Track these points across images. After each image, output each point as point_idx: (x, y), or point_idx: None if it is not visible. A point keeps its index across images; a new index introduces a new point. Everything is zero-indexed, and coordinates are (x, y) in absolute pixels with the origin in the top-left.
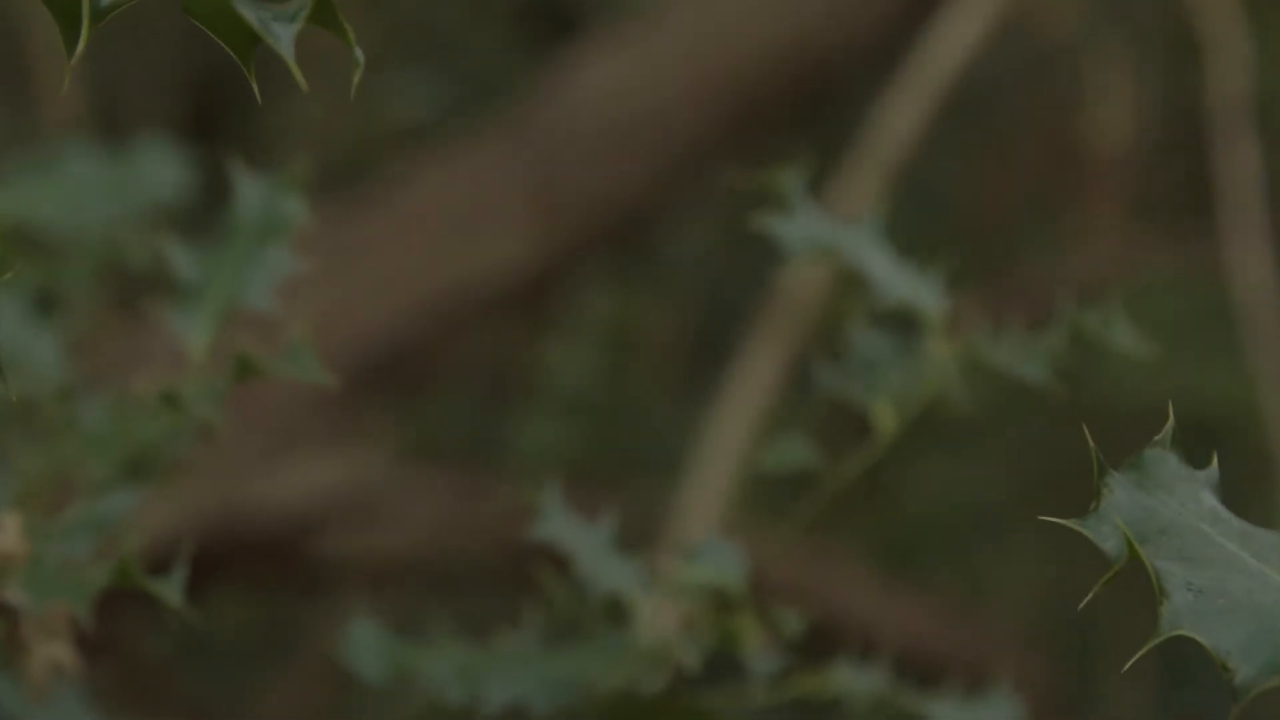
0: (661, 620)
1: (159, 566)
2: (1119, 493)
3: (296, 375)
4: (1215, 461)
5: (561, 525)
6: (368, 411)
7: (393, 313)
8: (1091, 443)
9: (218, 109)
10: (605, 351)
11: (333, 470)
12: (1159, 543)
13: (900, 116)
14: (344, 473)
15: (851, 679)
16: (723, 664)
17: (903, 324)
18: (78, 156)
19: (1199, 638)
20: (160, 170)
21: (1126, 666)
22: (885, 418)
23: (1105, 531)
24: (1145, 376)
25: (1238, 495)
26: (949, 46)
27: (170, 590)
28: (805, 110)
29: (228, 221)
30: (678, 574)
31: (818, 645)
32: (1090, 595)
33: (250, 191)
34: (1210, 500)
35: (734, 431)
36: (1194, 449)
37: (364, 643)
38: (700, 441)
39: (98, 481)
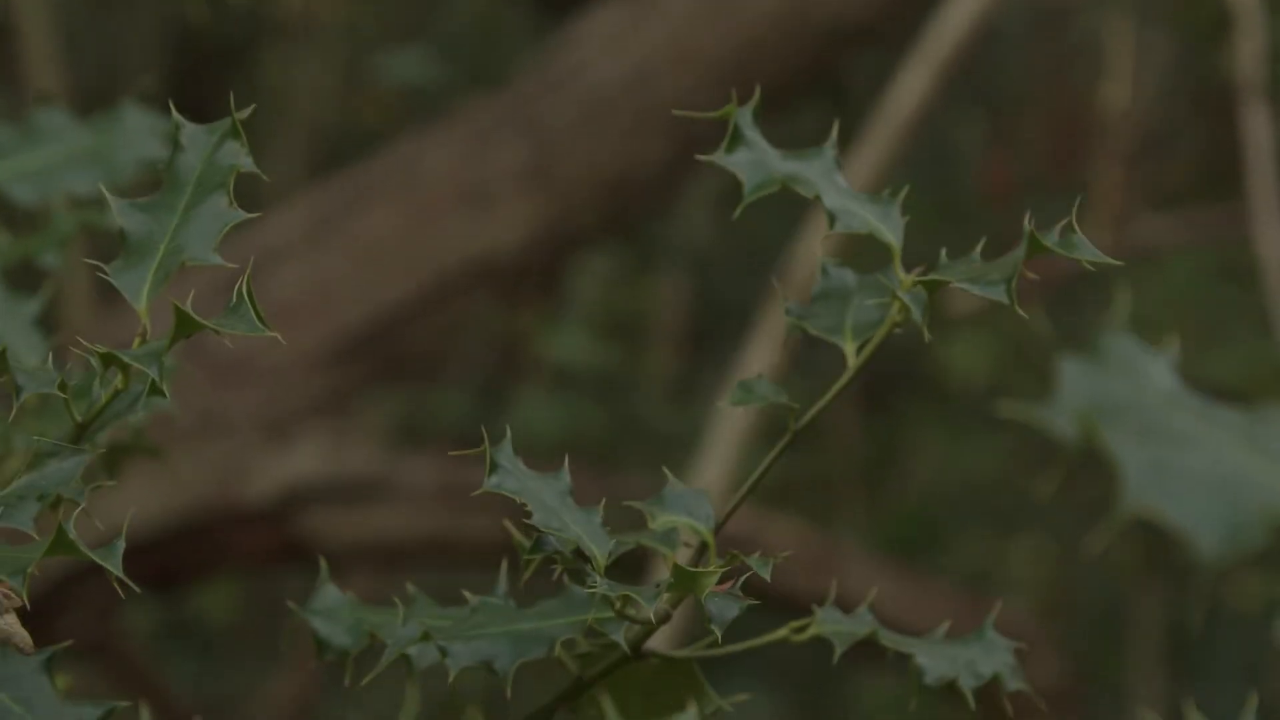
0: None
1: (154, 552)
2: (1075, 376)
3: (237, 330)
4: (1176, 344)
5: (515, 476)
6: (365, 392)
7: (389, 289)
8: (1046, 325)
9: (207, 89)
10: (609, 332)
11: (330, 452)
12: (1117, 421)
13: (910, 88)
14: (341, 454)
15: (833, 622)
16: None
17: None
18: (59, 127)
19: (1161, 510)
20: (145, 139)
21: (1101, 549)
22: (852, 351)
23: (1063, 415)
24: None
25: None
26: (958, 18)
27: (110, 558)
28: (809, 83)
29: (170, 174)
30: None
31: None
32: (1054, 482)
33: (191, 142)
34: (1169, 378)
35: (743, 415)
36: None
37: (330, 610)
38: (709, 424)
39: (45, 448)
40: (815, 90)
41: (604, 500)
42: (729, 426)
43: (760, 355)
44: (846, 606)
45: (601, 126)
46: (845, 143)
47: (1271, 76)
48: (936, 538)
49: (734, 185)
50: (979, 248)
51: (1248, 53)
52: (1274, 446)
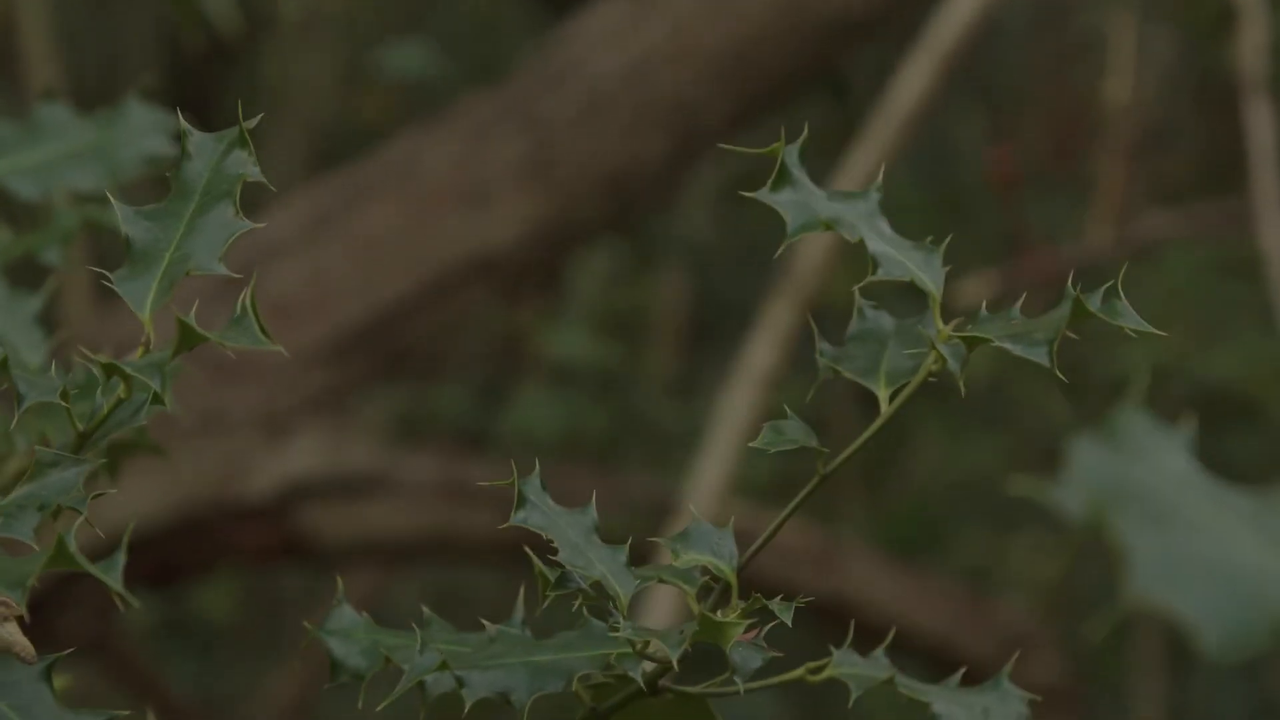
0: (662, 610)
1: (153, 549)
2: (1088, 456)
3: (241, 342)
4: (1194, 422)
5: (542, 512)
6: (365, 389)
7: (389, 286)
8: (1064, 406)
9: (206, 84)
10: (609, 329)
11: (329, 449)
12: (1128, 506)
13: (912, 83)
14: (341, 451)
15: (851, 667)
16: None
17: (910, 302)
18: (62, 122)
19: (1167, 602)
20: (148, 135)
21: (1103, 634)
22: (885, 397)
23: (1073, 497)
24: (1173, 352)
25: (1267, 468)
26: (960, 13)
27: (110, 573)
28: (809, 79)
29: (177, 182)
30: (670, 559)
31: (834, 631)
32: (1067, 559)
33: (198, 150)
34: (1183, 462)
35: (744, 413)
36: (1228, 421)
37: (346, 630)
38: (709, 422)
39: (46, 458)
40: (817, 86)
41: (603, 498)
42: (729, 425)
43: (761, 352)
44: (848, 603)
45: (601, 122)
46: (847, 138)
47: (1273, 71)
48: (937, 535)
49: (735, 181)
50: (1019, 303)
51: (1250, 47)
52: None
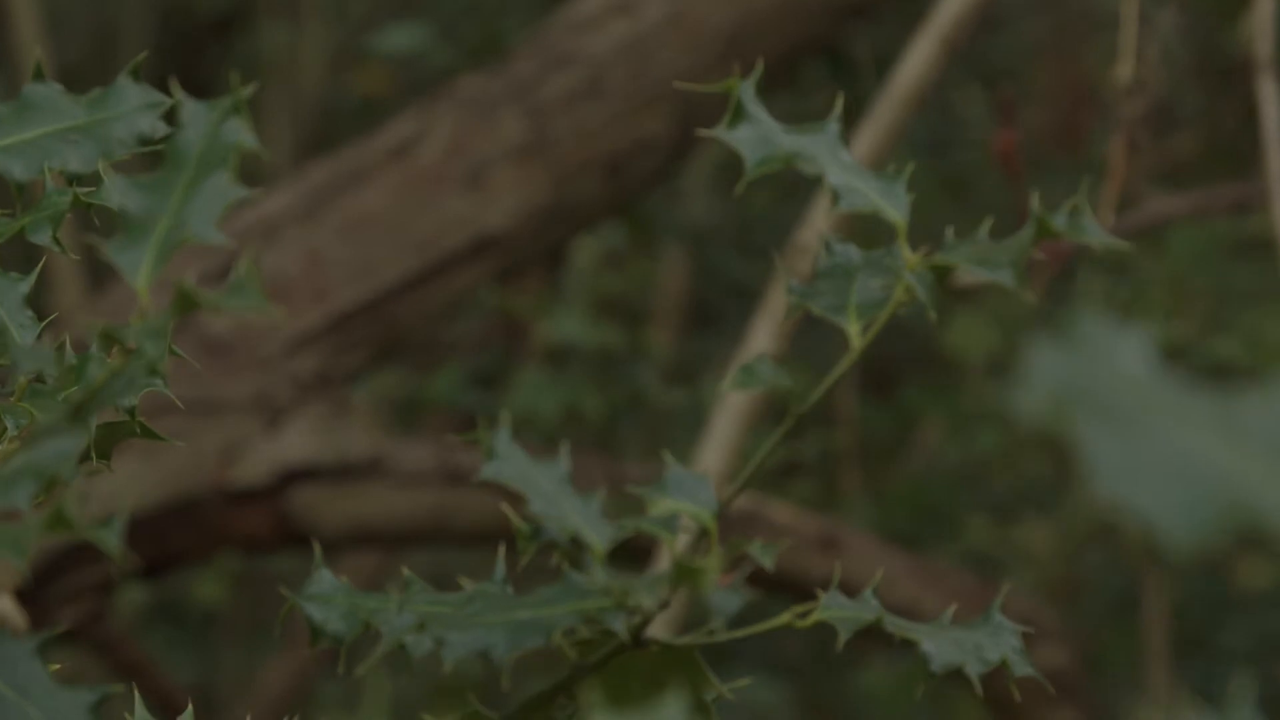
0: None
1: (148, 536)
2: (1047, 355)
3: (240, 309)
4: (1157, 324)
5: (513, 464)
6: (362, 372)
7: (385, 267)
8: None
9: (198, 62)
10: (609, 311)
11: (325, 433)
12: (1087, 404)
13: (916, 62)
14: (337, 435)
15: (839, 609)
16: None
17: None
18: (52, 101)
19: (1129, 499)
20: (140, 115)
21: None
22: (856, 332)
23: (1032, 398)
24: (1179, 333)
25: None
26: None
27: (109, 539)
28: (811, 57)
29: (171, 151)
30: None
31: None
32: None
33: (193, 118)
34: (1145, 361)
35: (745, 396)
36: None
37: (325, 595)
38: (711, 404)
39: (42, 427)
40: (821, 65)
41: (605, 484)
42: (731, 407)
43: (762, 335)
44: (850, 590)
45: (600, 103)
46: (851, 117)
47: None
48: (941, 523)
49: (735, 159)
50: (985, 227)
51: (1259, 26)
52: (1248, 434)
